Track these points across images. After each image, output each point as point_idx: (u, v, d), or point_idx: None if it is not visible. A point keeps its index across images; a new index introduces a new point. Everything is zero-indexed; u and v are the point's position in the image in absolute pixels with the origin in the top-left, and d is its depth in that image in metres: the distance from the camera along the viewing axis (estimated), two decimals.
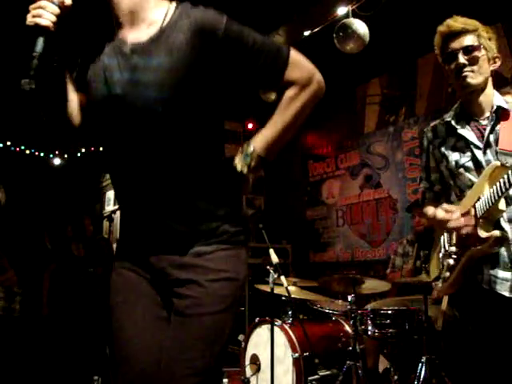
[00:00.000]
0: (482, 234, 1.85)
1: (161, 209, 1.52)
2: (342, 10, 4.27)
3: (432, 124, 2.21)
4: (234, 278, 1.54)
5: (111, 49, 1.53)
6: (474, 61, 1.97)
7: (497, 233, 1.83)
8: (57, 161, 7.70)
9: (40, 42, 1.32)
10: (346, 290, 3.89)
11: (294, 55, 1.55)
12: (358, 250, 6.31)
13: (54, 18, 1.36)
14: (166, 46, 1.42)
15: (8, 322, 4.59)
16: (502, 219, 1.90)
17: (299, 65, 1.56)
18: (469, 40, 1.99)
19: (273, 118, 1.54)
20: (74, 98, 1.61)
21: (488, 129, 1.95)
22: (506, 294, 1.89)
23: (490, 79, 2.02)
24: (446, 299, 2.22)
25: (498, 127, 1.94)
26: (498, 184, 1.81)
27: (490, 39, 2.01)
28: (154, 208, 1.52)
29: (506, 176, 1.78)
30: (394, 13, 4.34)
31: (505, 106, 1.96)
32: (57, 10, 1.37)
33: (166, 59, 1.41)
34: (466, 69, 1.97)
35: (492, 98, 2.00)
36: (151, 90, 1.41)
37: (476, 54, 1.97)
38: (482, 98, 2.01)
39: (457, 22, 2.01)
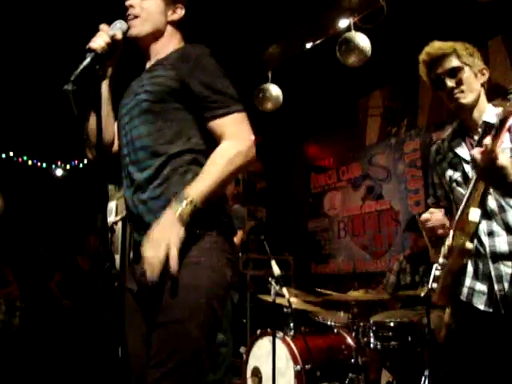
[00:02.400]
0: (456, 244, 1.89)
1: (138, 200, 1.71)
2: (343, 23, 4.29)
3: (438, 140, 2.25)
4: (196, 285, 1.59)
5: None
6: (460, 81, 2.00)
7: (467, 245, 1.84)
8: (59, 171, 7.71)
9: (87, 59, 1.70)
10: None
11: (241, 117, 1.70)
12: (360, 261, 6.29)
13: (103, 45, 1.74)
14: (162, 66, 1.77)
15: (6, 337, 4.57)
16: (482, 232, 1.92)
17: (239, 125, 1.69)
18: (450, 62, 2.02)
19: (205, 168, 1.63)
20: (110, 113, 1.89)
21: (474, 144, 1.95)
22: (481, 307, 1.90)
23: (483, 93, 2.05)
24: (448, 311, 2.22)
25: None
26: (466, 195, 1.85)
27: (471, 55, 2.04)
28: (135, 201, 1.72)
29: (470, 187, 1.84)
30: (395, 25, 4.36)
31: (491, 120, 1.92)
32: (108, 40, 1.76)
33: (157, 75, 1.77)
34: (455, 91, 2.00)
35: (484, 112, 2.02)
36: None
37: (461, 74, 2.00)
38: (476, 114, 2.03)
39: (434, 48, 2.06)
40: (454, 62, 2.01)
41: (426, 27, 4.49)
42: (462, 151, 2.05)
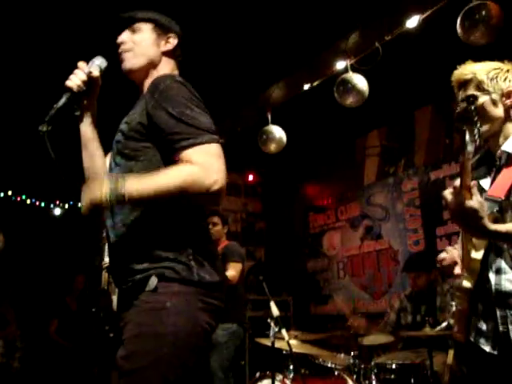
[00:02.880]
0: (462, 284, 1.85)
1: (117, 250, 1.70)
2: (340, 65, 4.36)
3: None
4: (159, 333, 1.51)
5: None
6: (471, 99, 1.85)
7: (464, 284, 1.82)
8: (57, 211, 7.70)
9: (63, 98, 1.69)
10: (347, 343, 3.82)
11: (211, 149, 1.57)
12: (360, 301, 6.22)
13: (79, 83, 1.73)
14: (139, 101, 1.77)
15: (5, 379, 4.48)
16: (490, 270, 1.84)
17: (207, 156, 1.55)
18: (467, 90, 1.94)
19: (156, 173, 1.55)
20: (98, 153, 1.86)
21: (492, 175, 1.90)
22: (487, 349, 1.83)
23: (510, 119, 1.92)
24: (451, 353, 2.16)
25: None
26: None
27: (493, 78, 1.92)
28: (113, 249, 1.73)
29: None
30: (391, 67, 4.43)
31: (510, 150, 1.86)
32: (84, 77, 1.75)
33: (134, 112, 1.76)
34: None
35: (505, 141, 1.91)
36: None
37: (476, 103, 1.89)
38: (501, 141, 1.92)
39: (457, 73, 1.98)
40: (469, 90, 1.93)
41: (420, 68, 4.58)
42: (485, 181, 1.91)
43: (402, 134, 5.97)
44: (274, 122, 5.12)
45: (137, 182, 1.51)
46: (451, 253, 1.95)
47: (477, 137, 1.50)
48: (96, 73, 1.78)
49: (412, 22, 3.78)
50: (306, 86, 4.79)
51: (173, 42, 1.87)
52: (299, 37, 4.29)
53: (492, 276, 1.83)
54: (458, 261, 1.94)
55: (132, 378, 1.49)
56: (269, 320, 3.50)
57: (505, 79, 1.93)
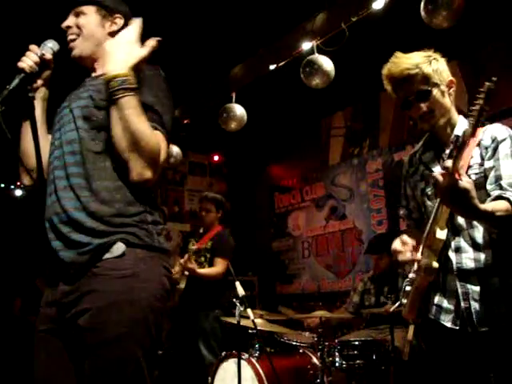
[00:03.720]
0: (422, 263, 1.89)
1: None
2: (306, 46, 4.36)
3: (411, 152, 2.22)
4: (132, 300, 1.51)
5: None
6: (431, 106, 1.94)
7: (433, 264, 1.85)
8: (18, 192, 7.52)
9: (16, 79, 1.68)
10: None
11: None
12: (324, 281, 6.32)
13: (31, 64, 1.72)
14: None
15: None
16: (449, 248, 1.91)
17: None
18: (417, 85, 1.94)
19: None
20: (44, 136, 1.84)
21: (445, 157, 1.94)
22: (448, 324, 1.89)
23: (453, 106, 2.01)
24: (411, 328, 2.22)
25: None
26: (433, 213, 1.86)
27: (437, 70, 1.96)
28: None
29: (436, 204, 1.84)
30: (357, 48, 4.45)
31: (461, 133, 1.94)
32: (36, 59, 1.74)
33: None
34: (427, 116, 1.96)
35: (455, 125, 2.00)
36: None
37: (430, 98, 1.94)
38: (448, 129, 2.00)
39: (398, 68, 1.98)
40: (421, 85, 1.94)
41: (386, 49, 4.61)
42: (434, 165, 2.01)
43: (366, 115, 6.03)
44: (238, 102, 5.09)
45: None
46: (407, 252, 1.93)
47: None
48: (48, 55, 1.78)
49: (378, 3, 3.80)
50: (272, 67, 4.77)
51: (119, 22, 1.86)
52: (265, 17, 4.26)
53: (452, 254, 1.90)
54: (415, 257, 1.94)
55: (111, 347, 1.48)
56: (234, 299, 3.52)
57: (444, 69, 2.00)
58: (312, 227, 6.64)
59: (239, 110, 5.05)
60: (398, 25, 4.22)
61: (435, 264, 1.85)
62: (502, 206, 1.74)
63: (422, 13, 3.39)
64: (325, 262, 6.37)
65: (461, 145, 1.61)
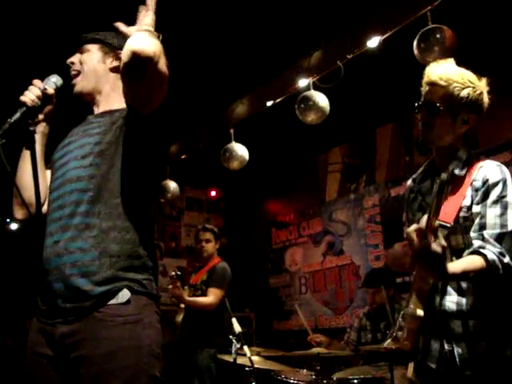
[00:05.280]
0: (408, 310, 1.87)
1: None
2: (303, 82, 4.42)
3: (413, 176, 2.15)
4: (137, 346, 1.52)
5: None
6: (432, 125, 1.90)
7: (418, 312, 1.83)
8: (14, 226, 7.48)
9: (17, 113, 1.68)
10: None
11: None
12: (322, 317, 6.25)
13: (33, 98, 1.73)
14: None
15: None
16: (435, 291, 1.86)
17: None
18: (433, 94, 1.90)
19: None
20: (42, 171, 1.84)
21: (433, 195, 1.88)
22: (433, 366, 1.83)
23: (461, 137, 1.94)
24: (411, 366, 2.18)
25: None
26: None
27: (463, 97, 1.88)
28: None
29: None
30: (353, 85, 4.52)
31: (457, 172, 1.88)
32: (38, 93, 1.75)
33: None
34: (424, 131, 1.93)
35: (453, 162, 1.91)
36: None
37: (436, 118, 1.89)
38: (448, 157, 1.93)
39: (434, 71, 1.94)
40: (435, 98, 1.89)
41: (381, 87, 4.69)
42: (429, 197, 1.86)
43: (363, 151, 6.08)
44: (236, 139, 5.13)
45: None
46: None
47: (445, 190, 1.51)
48: (51, 90, 1.80)
49: (373, 42, 3.87)
50: (269, 103, 4.83)
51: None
52: (262, 54, 4.33)
53: (437, 297, 1.86)
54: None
55: None
56: (231, 336, 3.47)
57: (473, 100, 1.90)
58: (309, 263, 6.60)
59: (241, 150, 5.09)
60: (393, 63, 4.30)
61: (420, 312, 1.82)
62: (475, 265, 1.68)
63: (416, 51, 3.45)
64: (322, 298, 6.32)
65: (440, 192, 1.51)
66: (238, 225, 7.75)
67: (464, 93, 1.88)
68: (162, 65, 1.57)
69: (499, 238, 1.73)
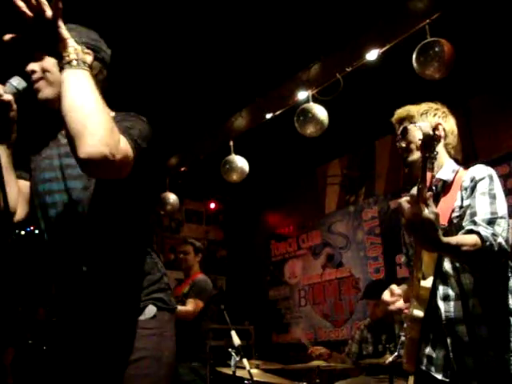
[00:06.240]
0: (408, 313, 1.88)
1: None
2: (302, 95, 4.44)
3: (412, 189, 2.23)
4: (159, 357, 1.64)
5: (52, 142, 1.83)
6: (408, 142, 2.07)
7: (415, 313, 1.84)
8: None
9: None
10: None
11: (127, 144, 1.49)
12: (321, 330, 6.22)
13: None
14: None
15: None
16: (438, 297, 1.87)
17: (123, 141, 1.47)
18: (402, 126, 2.12)
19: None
20: (12, 182, 1.75)
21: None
22: (439, 376, 1.82)
23: (440, 148, 2.03)
24: (411, 379, 2.17)
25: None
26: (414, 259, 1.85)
27: (423, 113, 2.10)
28: None
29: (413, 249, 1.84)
30: (353, 97, 4.54)
31: (444, 177, 1.98)
32: None
33: None
34: (403, 152, 2.09)
35: (441, 168, 2.03)
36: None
37: (408, 135, 2.08)
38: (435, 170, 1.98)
39: (396, 113, 2.18)
40: (403, 125, 2.12)
41: (381, 99, 4.70)
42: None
43: (362, 163, 6.09)
44: (235, 151, 5.14)
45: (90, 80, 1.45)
46: (398, 303, 1.95)
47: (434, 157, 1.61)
48: (7, 96, 1.61)
49: (372, 55, 3.90)
50: (268, 116, 4.85)
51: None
52: (262, 67, 4.35)
53: (441, 303, 1.85)
54: (402, 303, 1.96)
55: None
56: (230, 349, 3.46)
57: (434, 115, 2.11)
58: (308, 275, 6.59)
59: (241, 162, 5.10)
60: (392, 75, 4.32)
61: (416, 313, 1.82)
62: (469, 240, 1.69)
63: (415, 64, 3.48)
64: (321, 311, 6.29)
65: (424, 170, 1.60)
66: (237, 237, 7.74)
67: (421, 110, 2.13)
68: (118, 149, 1.39)
69: (490, 223, 1.76)
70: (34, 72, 1.71)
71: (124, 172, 1.47)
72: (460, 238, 1.71)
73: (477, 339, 1.77)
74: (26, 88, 1.66)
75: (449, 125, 2.14)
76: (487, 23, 3.88)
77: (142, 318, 1.64)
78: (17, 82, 1.64)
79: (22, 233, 7.49)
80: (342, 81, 4.07)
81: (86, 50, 1.55)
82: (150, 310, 1.66)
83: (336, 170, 6.45)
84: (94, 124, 1.35)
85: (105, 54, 1.80)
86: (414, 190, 1.59)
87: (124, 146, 1.43)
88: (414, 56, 3.46)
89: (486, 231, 1.70)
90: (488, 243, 1.67)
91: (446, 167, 2.02)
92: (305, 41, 4.09)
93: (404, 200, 1.62)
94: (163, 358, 1.64)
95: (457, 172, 2.00)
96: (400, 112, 2.15)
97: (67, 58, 1.43)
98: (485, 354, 1.75)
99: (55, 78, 1.67)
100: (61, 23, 1.42)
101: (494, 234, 1.71)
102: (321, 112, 4.25)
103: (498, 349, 1.75)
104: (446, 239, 1.64)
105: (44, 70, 1.71)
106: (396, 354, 2.04)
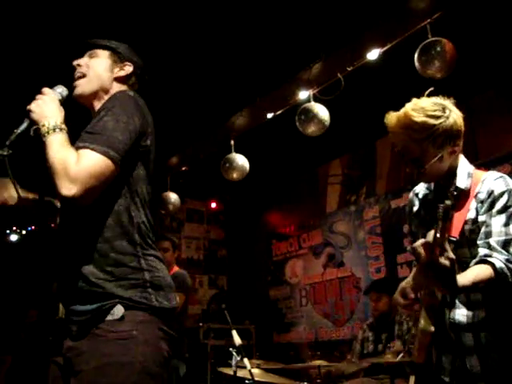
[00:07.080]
0: (419, 325, 1.83)
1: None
2: (303, 95, 4.44)
3: (415, 188, 2.16)
4: (128, 362, 1.48)
5: None
6: (420, 164, 1.89)
7: (422, 325, 1.80)
8: (14, 237, 7.48)
9: (24, 123, 1.66)
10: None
11: (97, 162, 1.54)
12: (322, 329, 6.22)
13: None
14: None
15: None
16: (445, 304, 1.86)
17: (87, 164, 1.53)
18: (404, 142, 1.91)
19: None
20: None
21: (442, 208, 1.88)
22: (447, 379, 1.83)
23: (448, 155, 1.90)
24: (412, 379, 2.16)
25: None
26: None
27: (423, 127, 1.86)
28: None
29: None
30: (354, 97, 4.54)
31: (462, 185, 1.90)
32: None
33: None
34: (416, 174, 1.94)
35: (455, 174, 1.93)
36: None
37: (425, 168, 1.88)
38: (447, 176, 1.94)
39: (389, 125, 1.96)
40: (407, 142, 1.89)
41: (382, 98, 4.70)
42: (434, 214, 1.80)
43: (363, 162, 6.09)
44: (236, 150, 5.14)
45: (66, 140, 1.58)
46: (407, 301, 1.90)
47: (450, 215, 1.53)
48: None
49: (373, 54, 3.90)
50: (270, 115, 4.85)
51: (127, 69, 1.91)
52: (264, 66, 4.35)
53: (447, 312, 1.86)
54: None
55: None
56: (231, 349, 3.45)
57: (434, 118, 1.88)
58: (309, 275, 6.58)
59: (241, 160, 5.10)
60: (393, 75, 4.31)
61: (430, 328, 1.81)
62: (483, 276, 1.67)
63: (416, 63, 3.48)
64: (322, 311, 6.29)
65: (444, 218, 1.52)
66: (238, 236, 7.75)
67: (421, 119, 1.87)
68: (91, 180, 1.50)
69: (506, 245, 1.74)
70: (79, 66, 1.85)
71: (104, 185, 1.54)
72: (475, 276, 1.68)
73: (481, 343, 1.78)
74: (68, 95, 1.80)
75: (456, 125, 1.94)
76: (488, 22, 3.87)
77: (109, 318, 1.51)
78: (60, 89, 1.78)
79: (23, 232, 7.51)
80: (343, 80, 4.07)
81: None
82: (118, 309, 1.52)
83: (337, 170, 6.45)
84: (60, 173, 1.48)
85: (135, 59, 1.97)
86: (430, 236, 1.55)
87: (89, 166, 1.51)
88: (415, 55, 3.46)
89: (500, 261, 1.69)
90: (503, 274, 1.67)
91: (461, 171, 1.93)
92: (306, 40, 4.09)
93: (419, 245, 1.60)
94: (135, 364, 1.47)
95: (472, 176, 1.92)
96: (395, 125, 1.93)
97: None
98: (489, 357, 1.75)
99: (95, 74, 1.84)
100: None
101: (508, 261, 1.69)
102: (322, 111, 4.25)
103: (502, 351, 1.75)
104: (461, 282, 1.62)
105: (88, 67, 1.85)
106: (401, 354, 2.02)
